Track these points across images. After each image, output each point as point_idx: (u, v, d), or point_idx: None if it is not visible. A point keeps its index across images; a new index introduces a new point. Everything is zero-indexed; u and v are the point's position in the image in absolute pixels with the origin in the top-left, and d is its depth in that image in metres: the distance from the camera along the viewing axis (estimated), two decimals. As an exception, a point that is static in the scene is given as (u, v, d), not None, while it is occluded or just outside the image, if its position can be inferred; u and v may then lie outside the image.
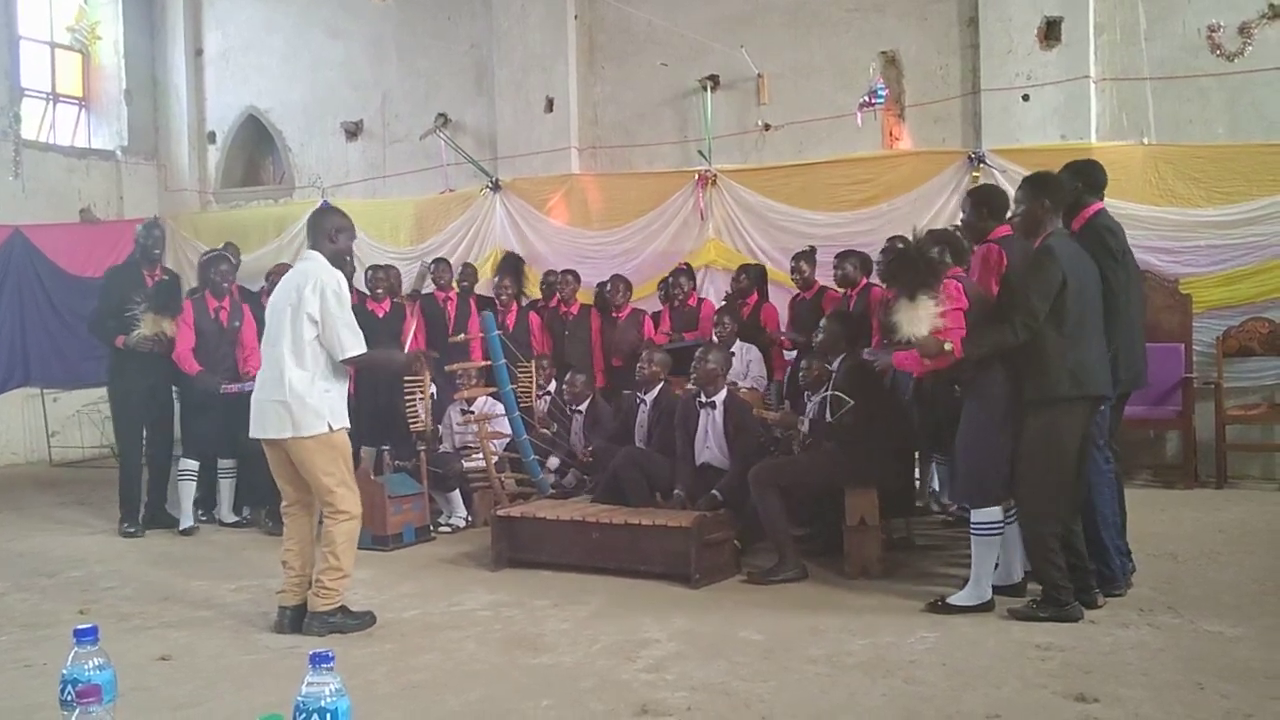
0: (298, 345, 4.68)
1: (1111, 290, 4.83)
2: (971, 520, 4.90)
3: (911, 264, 4.90)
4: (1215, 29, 8.36)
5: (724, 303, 8.35)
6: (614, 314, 8.66)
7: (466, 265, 9.43)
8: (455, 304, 8.55)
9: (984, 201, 5.14)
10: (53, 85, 12.21)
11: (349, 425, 4.86)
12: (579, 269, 9.21)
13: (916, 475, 6.82)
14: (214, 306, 7.34)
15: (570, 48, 10.45)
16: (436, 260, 9.13)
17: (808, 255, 7.92)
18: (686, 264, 9.11)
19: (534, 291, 9.46)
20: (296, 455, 4.73)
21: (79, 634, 2.03)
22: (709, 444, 6.31)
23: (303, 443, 4.68)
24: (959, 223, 5.57)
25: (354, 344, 4.73)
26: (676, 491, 6.21)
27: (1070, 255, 4.63)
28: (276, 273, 8.29)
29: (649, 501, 6.26)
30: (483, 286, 9.39)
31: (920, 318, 4.76)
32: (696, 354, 6.40)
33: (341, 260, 4.97)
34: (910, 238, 5.10)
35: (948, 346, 4.69)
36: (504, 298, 8.63)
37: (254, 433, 4.84)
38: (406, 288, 9.02)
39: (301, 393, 4.65)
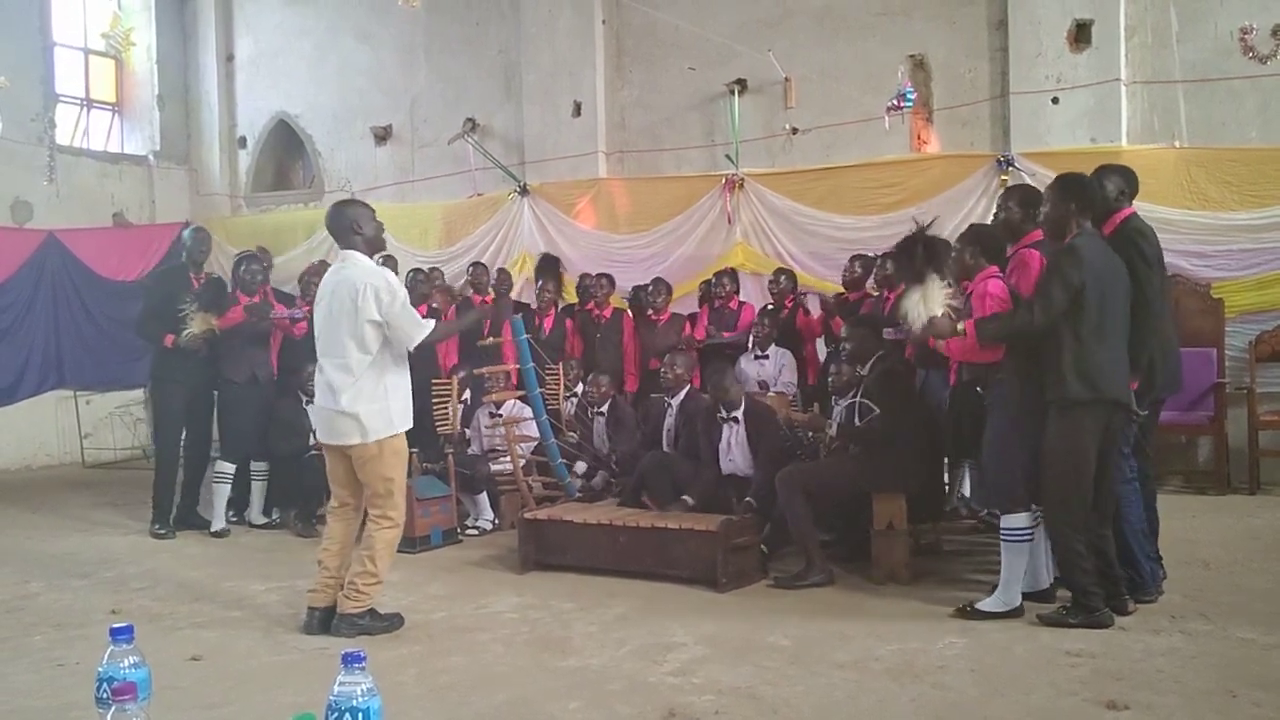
0: (360, 352, 4.71)
1: (1145, 296, 4.76)
2: (1001, 526, 4.88)
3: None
4: (1248, 31, 8.27)
5: (770, 306, 8.15)
6: (652, 316, 8.54)
7: (502, 271, 9.44)
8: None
9: (1026, 202, 5.06)
10: (86, 91, 12.37)
11: (410, 424, 4.92)
12: (606, 273, 9.20)
13: (945, 480, 6.78)
14: (245, 302, 7.42)
15: (598, 52, 10.46)
16: (474, 264, 9.17)
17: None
18: (732, 268, 8.95)
19: (570, 295, 9.45)
20: (361, 459, 4.76)
21: (115, 632, 2.05)
22: (732, 455, 6.30)
23: (368, 447, 4.72)
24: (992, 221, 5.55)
25: (418, 330, 4.78)
26: (684, 498, 6.15)
27: (1096, 257, 4.57)
28: (311, 272, 8.35)
29: (673, 505, 6.23)
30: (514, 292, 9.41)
31: (931, 298, 4.75)
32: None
33: (378, 246, 5.01)
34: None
35: (961, 328, 4.68)
36: (544, 301, 8.61)
37: (322, 438, 4.92)
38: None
39: (368, 399, 4.71)
